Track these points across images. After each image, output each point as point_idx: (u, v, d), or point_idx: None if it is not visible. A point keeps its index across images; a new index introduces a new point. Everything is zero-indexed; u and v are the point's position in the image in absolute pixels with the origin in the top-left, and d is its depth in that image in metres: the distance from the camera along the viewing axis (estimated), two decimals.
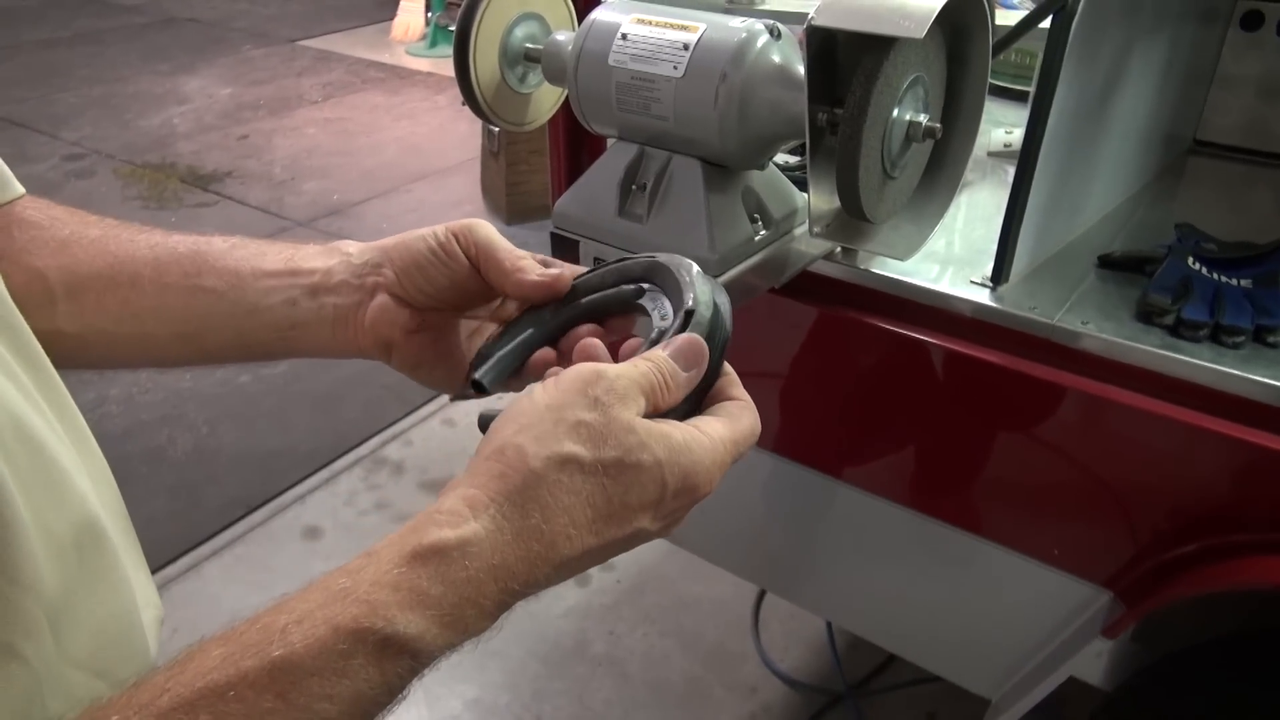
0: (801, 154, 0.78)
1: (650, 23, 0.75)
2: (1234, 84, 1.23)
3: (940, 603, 1.05)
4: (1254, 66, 1.21)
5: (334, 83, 4.96)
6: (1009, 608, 0.98)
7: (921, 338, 0.89)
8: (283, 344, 0.56)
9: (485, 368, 0.52)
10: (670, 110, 0.74)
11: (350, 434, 2.32)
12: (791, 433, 1.07)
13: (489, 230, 0.54)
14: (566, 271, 0.54)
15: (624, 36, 0.75)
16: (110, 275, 0.54)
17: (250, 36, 5.80)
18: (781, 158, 1.00)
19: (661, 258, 0.51)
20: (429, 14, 5.47)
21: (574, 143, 1.16)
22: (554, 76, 0.84)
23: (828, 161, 0.71)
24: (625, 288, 0.52)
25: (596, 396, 0.40)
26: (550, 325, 0.54)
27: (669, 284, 0.50)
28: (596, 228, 0.80)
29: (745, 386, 0.47)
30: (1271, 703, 0.86)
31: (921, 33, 0.62)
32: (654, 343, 0.46)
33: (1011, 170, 0.83)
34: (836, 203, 0.73)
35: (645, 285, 0.52)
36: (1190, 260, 0.90)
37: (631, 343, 0.49)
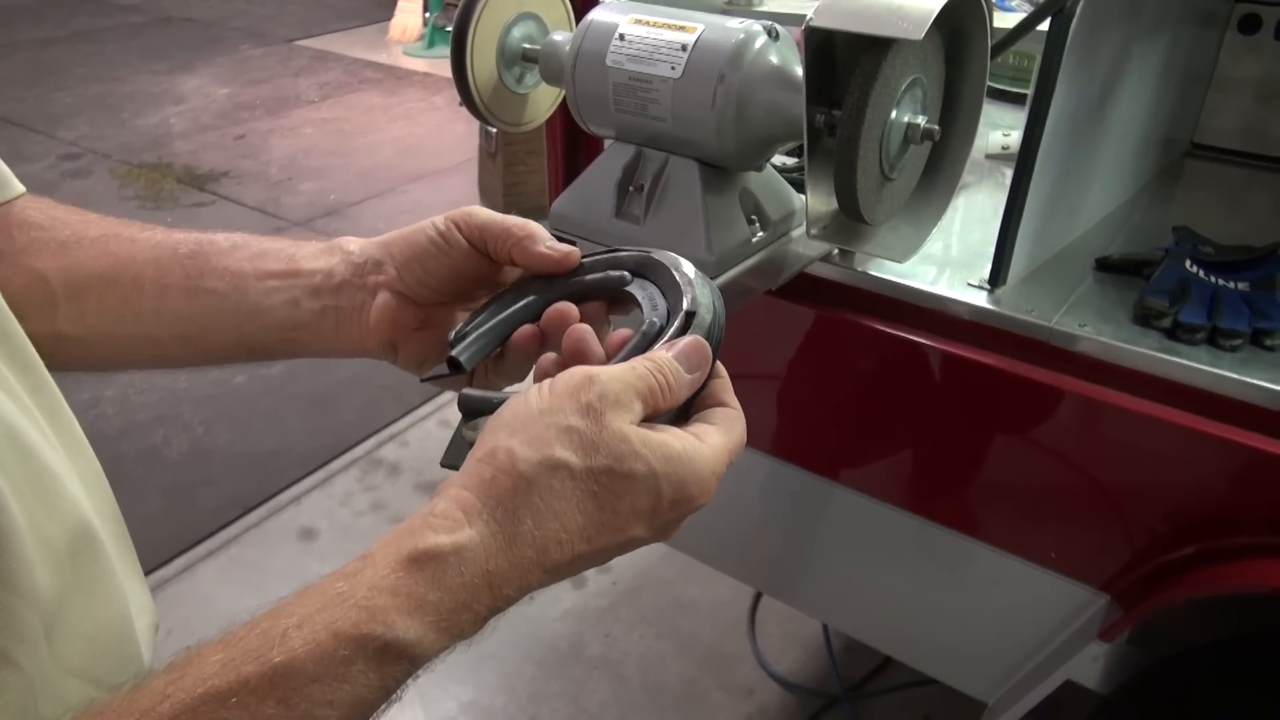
0: (799, 155, 0.78)
1: (648, 23, 0.75)
2: (1231, 87, 1.24)
3: (937, 605, 1.05)
4: (1251, 70, 1.22)
5: (331, 83, 4.95)
6: (1005, 610, 0.98)
7: (919, 340, 0.89)
8: (286, 344, 0.55)
9: (463, 345, 0.51)
10: (668, 111, 0.74)
11: (346, 435, 2.31)
12: (788, 435, 1.07)
13: (488, 211, 0.53)
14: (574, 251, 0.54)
15: (622, 37, 0.75)
16: (111, 277, 0.54)
17: (247, 36, 5.80)
18: (779, 159, 1.00)
19: (656, 253, 0.51)
20: (427, 14, 5.47)
21: (571, 143, 1.16)
22: (551, 77, 0.84)
23: (825, 163, 0.71)
24: (612, 274, 0.52)
25: (588, 402, 0.39)
26: (534, 305, 0.53)
27: (664, 280, 0.50)
28: (594, 228, 0.80)
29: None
30: (1268, 707, 0.86)
31: (920, 34, 0.62)
32: (648, 338, 0.45)
33: (1009, 173, 0.83)
34: (834, 204, 0.73)
35: (633, 276, 0.51)
36: (1188, 263, 0.90)
37: (621, 333, 0.48)
